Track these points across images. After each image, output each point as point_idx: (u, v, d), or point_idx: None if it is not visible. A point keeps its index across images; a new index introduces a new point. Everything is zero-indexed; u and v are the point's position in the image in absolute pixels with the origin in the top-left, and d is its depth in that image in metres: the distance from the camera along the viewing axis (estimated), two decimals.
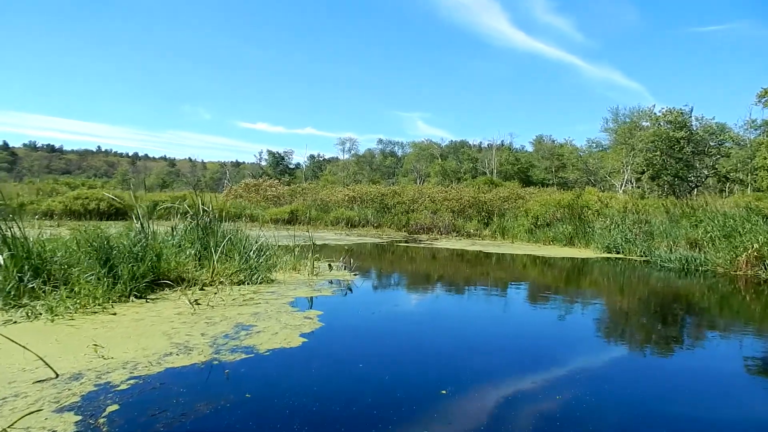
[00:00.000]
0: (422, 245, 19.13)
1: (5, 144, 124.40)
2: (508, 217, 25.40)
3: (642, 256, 16.67)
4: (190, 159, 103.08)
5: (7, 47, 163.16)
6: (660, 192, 38.86)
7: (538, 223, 22.77)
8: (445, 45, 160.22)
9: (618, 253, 17.53)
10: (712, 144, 39.22)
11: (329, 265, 11.09)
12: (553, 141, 70.19)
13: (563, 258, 16.20)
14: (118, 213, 28.68)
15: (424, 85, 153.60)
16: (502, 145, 74.85)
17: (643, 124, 42.32)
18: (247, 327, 5.88)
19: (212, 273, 8.74)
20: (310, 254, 10.53)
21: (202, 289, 7.98)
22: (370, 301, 8.34)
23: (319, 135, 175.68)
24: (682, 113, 39.64)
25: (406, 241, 20.79)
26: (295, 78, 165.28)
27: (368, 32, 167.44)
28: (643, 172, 39.67)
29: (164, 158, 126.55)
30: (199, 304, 7.03)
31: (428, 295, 9.65)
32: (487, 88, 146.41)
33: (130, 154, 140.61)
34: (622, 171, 39.90)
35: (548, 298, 9.36)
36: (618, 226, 18.53)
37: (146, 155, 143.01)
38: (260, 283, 8.94)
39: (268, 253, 10.60)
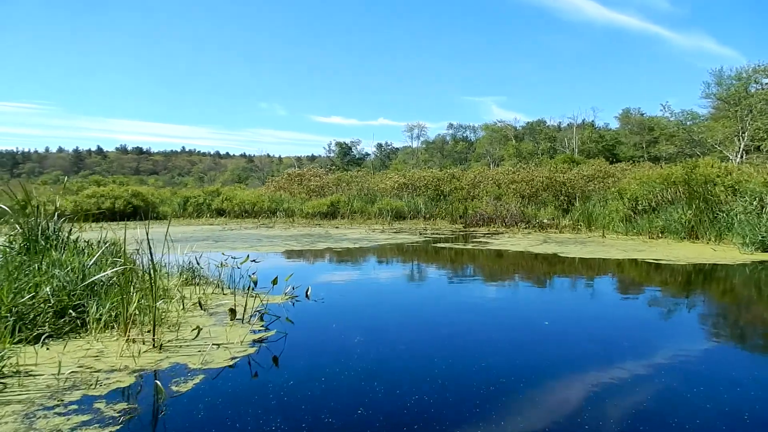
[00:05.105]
0: (469, 246, 12.84)
1: (99, 148, 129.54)
2: (594, 201, 18.46)
3: None
4: (268, 155, 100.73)
5: (98, 57, 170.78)
6: None
7: (638, 208, 15.79)
8: (515, 24, 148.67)
9: None
10: None
11: (231, 310, 5.29)
12: (642, 114, 60.25)
13: (691, 264, 9.45)
14: (136, 212, 24.50)
15: (497, 67, 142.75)
16: (584, 123, 65.74)
17: (764, 81, 32.87)
18: None
19: None
20: (152, 297, 4.68)
21: None
22: None
23: (392, 125, 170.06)
24: None
25: (453, 239, 14.59)
26: (366, 70, 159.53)
27: (437, 18, 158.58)
28: (764, 139, 30.59)
29: (243, 155, 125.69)
30: None
31: None
32: (564, 66, 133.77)
33: (212, 153, 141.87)
34: (737, 139, 31.05)
35: None
36: None
37: (227, 153, 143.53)
38: None
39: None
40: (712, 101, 40.73)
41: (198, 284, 6.98)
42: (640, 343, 4.69)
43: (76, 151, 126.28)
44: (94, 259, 5.28)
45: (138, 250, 5.92)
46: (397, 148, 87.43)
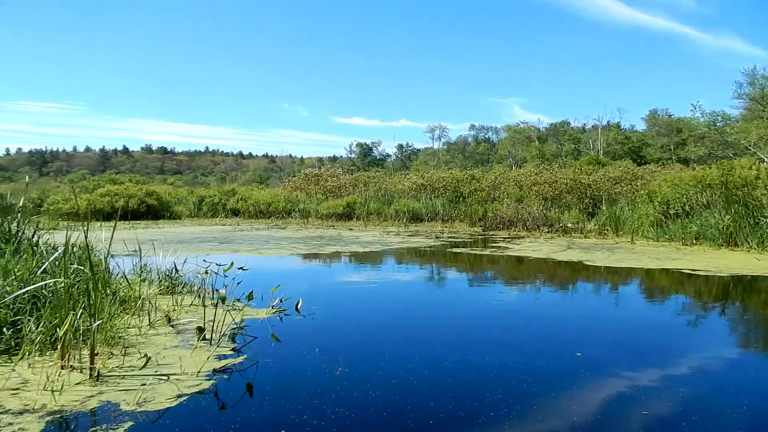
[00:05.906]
0: (487, 251, 11.91)
1: (125, 148, 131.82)
2: (621, 205, 17.33)
3: None
4: (290, 155, 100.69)
5: (123, 58, 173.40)
6: None
7: (670, 212, 14.65)
8: (538, 24, 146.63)
9: None
10: None
11: (199, 329, 4.49)
12: (670, 115, 58.20)
13: (734, 275, 8.38)
14: (150, 211, 24.07)
15: (520, 68, 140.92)
16: (609, 124, 63.94)
17: None
18: None
19: None
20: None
21: None
22: None
23: (413, 126, 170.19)
24: None
25: (471, 243, 13.67)
26: (388, 71, 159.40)
27: (459, 19, 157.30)
28: None
29: (266, 155, 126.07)
30: None
31: None
32: (588, 67, 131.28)
33: (234, 153, 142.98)
34: None
35: None
36: None
37: (250, 153, 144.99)
38: None
39: None
40: (744, 102, 38.93)
41: (178, 293, 6.21)
42: (684, 372, 3.74)
43: (102, 150, 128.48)
44: (45, 266, 4.52)
45: (113, 252, 5.18)
46: (418, 150, 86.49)
